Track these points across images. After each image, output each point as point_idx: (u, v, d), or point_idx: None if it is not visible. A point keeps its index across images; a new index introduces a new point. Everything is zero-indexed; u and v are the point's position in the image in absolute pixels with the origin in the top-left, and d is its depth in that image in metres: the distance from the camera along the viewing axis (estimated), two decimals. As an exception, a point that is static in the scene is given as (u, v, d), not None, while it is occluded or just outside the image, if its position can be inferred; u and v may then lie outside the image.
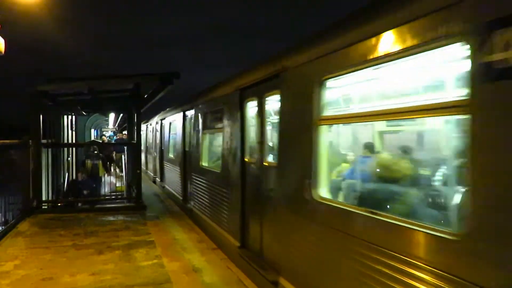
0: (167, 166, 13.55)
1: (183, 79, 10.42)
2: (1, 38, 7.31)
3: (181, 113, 10.82)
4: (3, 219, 8.07)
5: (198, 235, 7.80)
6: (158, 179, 16.08)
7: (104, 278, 5.42)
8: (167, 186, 13.55)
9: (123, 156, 17.27)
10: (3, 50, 7.37)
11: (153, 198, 12.78)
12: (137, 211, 10.16)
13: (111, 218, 9.36)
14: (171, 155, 12.91)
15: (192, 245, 7.09)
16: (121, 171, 17.85)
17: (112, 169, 17.57)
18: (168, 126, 13.42)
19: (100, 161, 13.75)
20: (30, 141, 9.70)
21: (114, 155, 18.62)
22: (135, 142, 11.69)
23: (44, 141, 10.65)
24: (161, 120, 14.88)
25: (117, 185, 15.51)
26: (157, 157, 15.95)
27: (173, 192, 12.17)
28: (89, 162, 13.48)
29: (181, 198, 10.83)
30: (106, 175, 14.16)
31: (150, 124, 19.01)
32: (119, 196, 13.87)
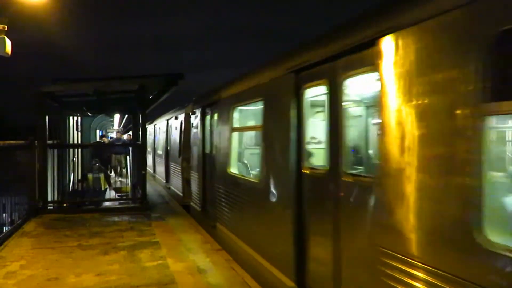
0: (225, 192, 7.20)
1: (187, 80, 10.46)
2: (8, 40, 7.37)
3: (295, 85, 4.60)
4: (9, 219, 8.11)
5: (202, 236, 7.80)
6: (196, 206, 9.76)
7: (109, 279, 5.44)
8: (225, 228, 7.24)
9: (126, 158, 17.03)
10: (9, 51, 7.43)
11: (158, 199, 12.80)
12: (142, 211, 10.18)
13: (116, 219, 9.38)
14: (233, 171, 7.03)
15: (197, 246, 7.09)
16: (118, 175, 17.06)
17: (112, 173, 17.12)
18: (225, 116, 7.25)
19: (102, 174, 13.69)
20: (36, 141, 9.76)
21: (113, 158, 17.28)
22: (140, 143, 11.71)
23: (49, 141, 10.71)
24: (205, 108, 9.00)
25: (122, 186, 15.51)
26: (195, 170, 9.96)
27: (246, 246, 6.00)
28: (90, 176, 13.45)
29: (294, 278, 4.54)
30: (108, 188, 14.02)
31: (176, 118, 12.80)
32: (124, 197, 13.91)
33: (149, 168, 19.13)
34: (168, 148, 14.61)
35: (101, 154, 15.11)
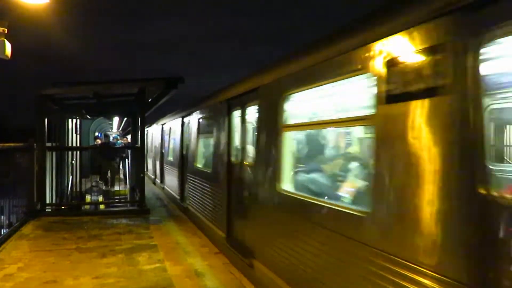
0: None
1: (186, 83, 10.48)
2: (8, 43, 7.39)
3: None
4: (7, 222, 8.11)
5: (200, 239, 7.81)
6: None
7: (107, 282, 5.45)
8: None
9: (117, 163, 16.49)
10: (9, 54, 7.45)
11: (156, 202, 12.80)
12: (140, 214, 10.18)
13: (114, 222, 9.39)
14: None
15: (195, 249, 7.10)
16: (109, 186, 15.80)
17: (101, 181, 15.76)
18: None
19: (101, 197, 13.57)
20: (35, 144, 9.77)
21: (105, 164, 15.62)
22: (139, 146, 11.72)
23: (48, 144, 10.73)
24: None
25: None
26: None
27: None
28: (88, 199, 13.37)
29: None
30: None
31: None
32: (123, 200, 13.91)
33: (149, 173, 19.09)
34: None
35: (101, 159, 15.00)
